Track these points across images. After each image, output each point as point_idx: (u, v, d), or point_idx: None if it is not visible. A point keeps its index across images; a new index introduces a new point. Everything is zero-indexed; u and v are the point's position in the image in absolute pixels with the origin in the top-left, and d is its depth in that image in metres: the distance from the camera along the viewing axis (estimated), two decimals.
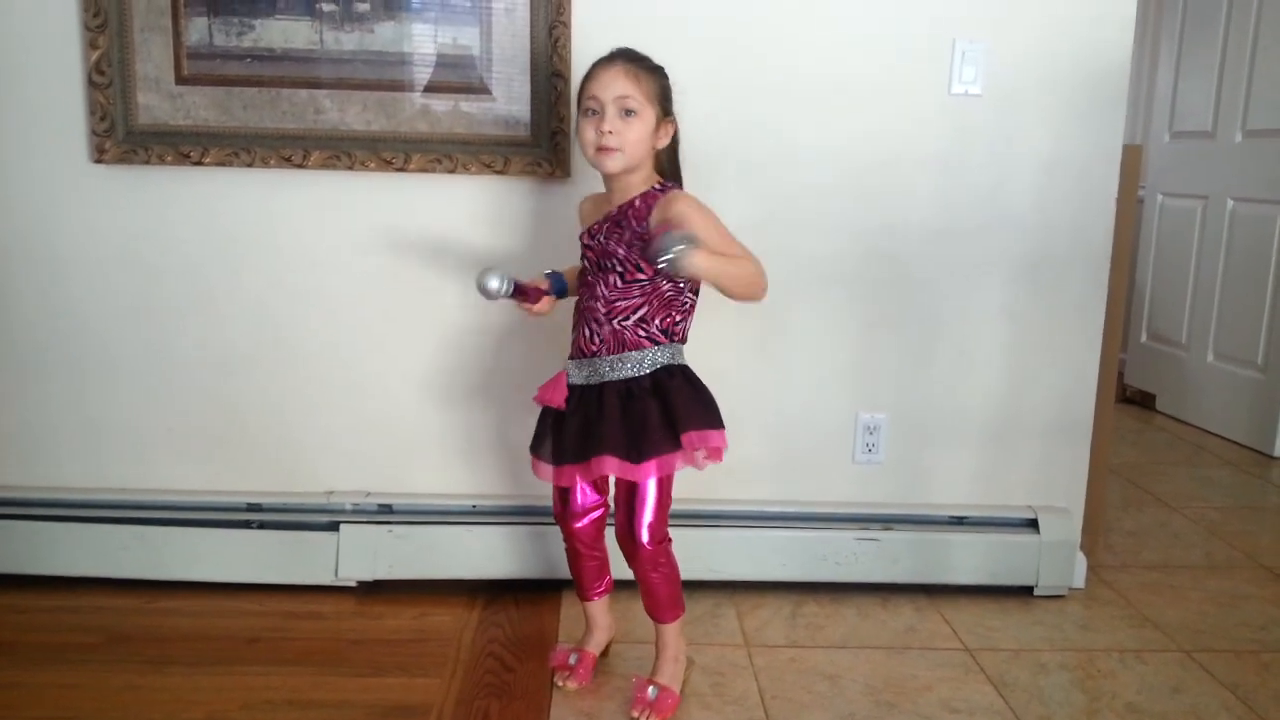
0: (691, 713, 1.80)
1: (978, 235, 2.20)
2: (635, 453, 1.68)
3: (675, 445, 1.69)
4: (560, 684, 1.87)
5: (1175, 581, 2.41)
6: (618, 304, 1.71)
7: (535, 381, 1.81)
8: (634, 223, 1.71)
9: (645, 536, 1.75)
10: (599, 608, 1.94)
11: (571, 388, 1.76)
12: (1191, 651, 2.06)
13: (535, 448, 1.82)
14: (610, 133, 1.65)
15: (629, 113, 1.66)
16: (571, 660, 1.90)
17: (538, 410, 1.85)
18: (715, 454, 1.74)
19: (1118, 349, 2.58)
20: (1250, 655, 2.05)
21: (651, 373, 1.72)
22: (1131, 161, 2.49)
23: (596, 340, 1.73)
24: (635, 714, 1.77)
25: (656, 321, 1.73)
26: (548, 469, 1.79)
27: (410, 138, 2.10)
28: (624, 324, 1.72)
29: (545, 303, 1.82)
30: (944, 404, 2.27)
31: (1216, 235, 3.70)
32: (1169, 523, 2.80)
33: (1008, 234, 2.20)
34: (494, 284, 1.68)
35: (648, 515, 1.74)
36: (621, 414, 1.70)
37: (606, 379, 1.72)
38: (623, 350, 1.72)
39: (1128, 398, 4.21)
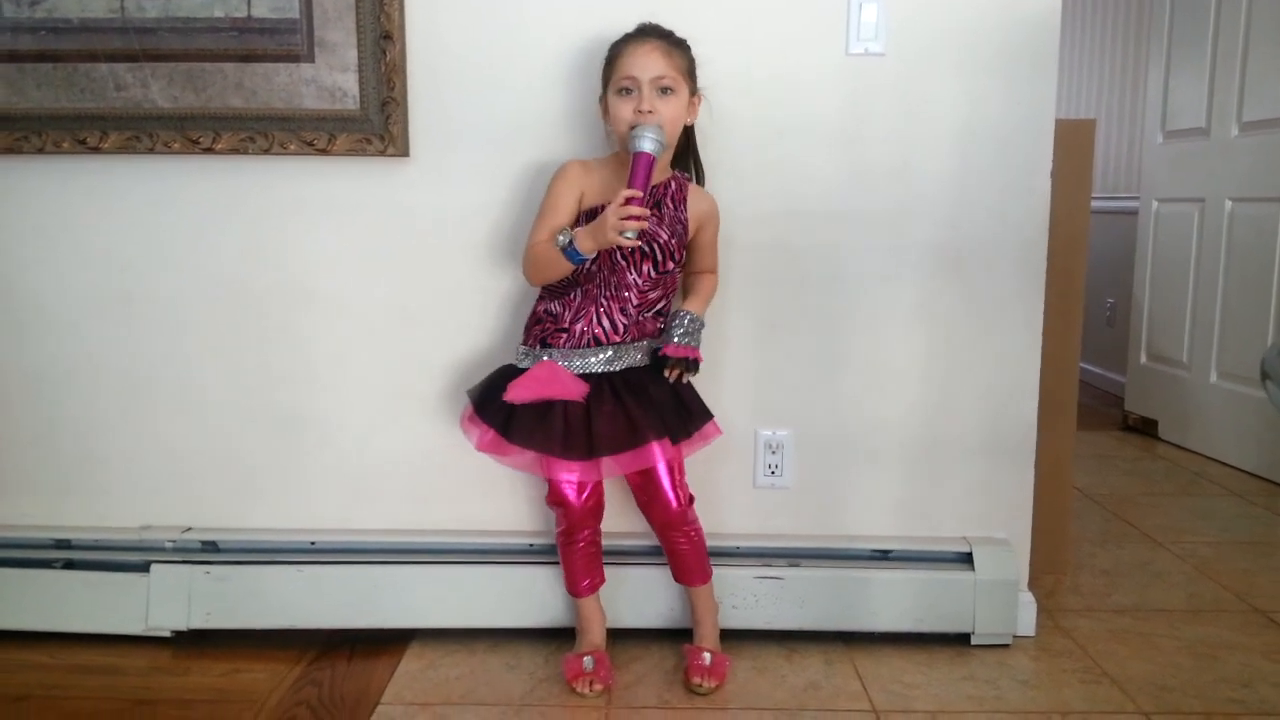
0: None
1: (888, 219, 1.87)
2: (680, 434, 1.68)
3: (699, 427, 1.70)
4: (584, 692, 1.73)
5: (1148, 628, 2.03)
6: (650, 295, 1.69)
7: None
8: (672, 207, 1.69)
9: (674, 500, 1.74)
10: (594, 602, 1.83)
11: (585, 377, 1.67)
12: (1152, 714, 1.69)
13: (545, 446, 1.63)
14: (650, 111, 1.59)
15: (666, 90, 1.62)
16: (588, 664, 1.75)
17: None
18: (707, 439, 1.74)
19: (1077, 355, 2.24)
20: (1224, 719, 1.68)
21: (650, 359, 1.71)
22: (1084, 137, 2.18)
23: (620, 329, 1.68)
24: (697, 681, 1.74)
25: (660, 308, 1.73)
26: (562, 465, 1.65)
27: (222, 114, 1.82)
28: (646, 315, 1.71)
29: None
30: (858, 418, 1.93)
31: (1215, 241, 3.33)
32: (1152, 560, 2.41)
33: (923, 218, 1.87)
34: (649, 145, 1.55)
35: (669, 478, 1.72)
36: (651, 400, 1.66)
37: (612, 368, 1.68)
38: (641, 339, 1.70)
39: (1129, 425, 3.82)
